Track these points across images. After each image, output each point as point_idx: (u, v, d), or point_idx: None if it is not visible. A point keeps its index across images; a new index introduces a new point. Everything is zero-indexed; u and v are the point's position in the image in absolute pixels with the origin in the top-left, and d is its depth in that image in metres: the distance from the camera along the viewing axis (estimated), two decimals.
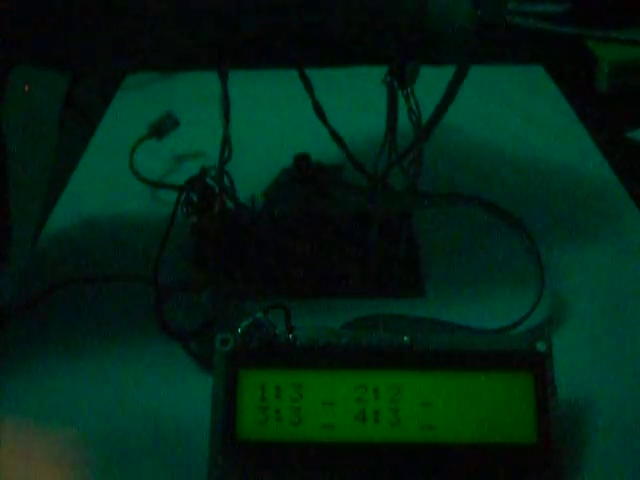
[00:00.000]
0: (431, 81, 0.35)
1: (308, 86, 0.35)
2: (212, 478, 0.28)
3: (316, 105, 0.35)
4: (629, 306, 0.38)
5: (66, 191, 0.48)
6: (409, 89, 0.35)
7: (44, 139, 0.39)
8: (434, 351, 0.29)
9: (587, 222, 0.44)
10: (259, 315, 0.29)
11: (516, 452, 0.28)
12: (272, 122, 0.56)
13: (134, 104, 0.59)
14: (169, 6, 0.28)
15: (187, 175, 0.40)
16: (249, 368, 0.29)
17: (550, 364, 0.29)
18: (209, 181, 0.40)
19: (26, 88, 0.36)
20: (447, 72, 0.34)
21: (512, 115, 0.57)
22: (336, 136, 0.36)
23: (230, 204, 0.41)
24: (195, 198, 0.40)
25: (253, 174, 0.42)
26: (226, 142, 0.39)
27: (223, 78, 0.37)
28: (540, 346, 0.29)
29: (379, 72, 0.36)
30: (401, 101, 0.36)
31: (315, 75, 0.35)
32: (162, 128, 0.49)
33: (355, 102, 0.56)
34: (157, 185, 0.47)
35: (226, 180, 0.40)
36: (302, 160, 0.40)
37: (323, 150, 0.39)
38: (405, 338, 0.29)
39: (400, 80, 0.35)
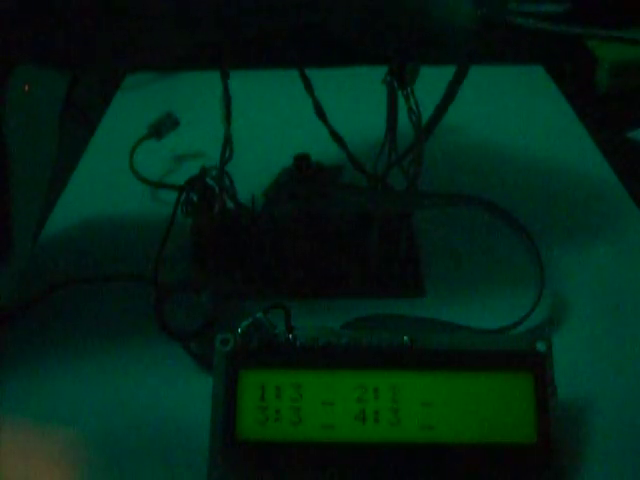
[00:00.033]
0: (431, 81, 0.35)
1: (308, 86, 0.35)
2: (212, 478, 0.28)
3: (316, 105, 0.35)
4: (629, 306, 0.38)
5: (66, 191, 0.48)
6: (409, 89, 0.35)
7: (44, 139, 0.39)
8: (434, 351, 0.29)
9: (587, 222, 0.44)
10: (259, 315, 0.29)
11: (516, 452, 0.28)
12: (272, 122, 0.56)
13: (134, 104, 0.59)
14: (169, 6, 0.28)
15: (187, 175, 0.40)
16: (249, 368, 0.29)
17: (550, 364, 0.29)
18: (209, 181, 0.40)
19: (26, 88, 0.36)
20: (447, 72, 0.34)
21: (512, 115, 0.57)
22: (336, 136, 0.36)
23: (230, 204, 0.41)
24: (195, 198, 0.40)
25: (253, 174, 0.42)
26: (227, 142, 0.39)
27: (225, 78, 0.37)
28: (540, 346, 0.29)
29: (379, 72, 0.36)
30: (401, 101, 0.36)
31: (315, 75, 0.35)
32: (162, 128, 0.49)
33: (355, 102, 0.56)
34: (157, 185, 0.47)
35: (226, 180, 0.40)
36: (302, 160, 0.40)
37: (323, 150, 0.39)
38: (405, 338, 0.29)
39: (400, 80, 0.35)
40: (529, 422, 0.28)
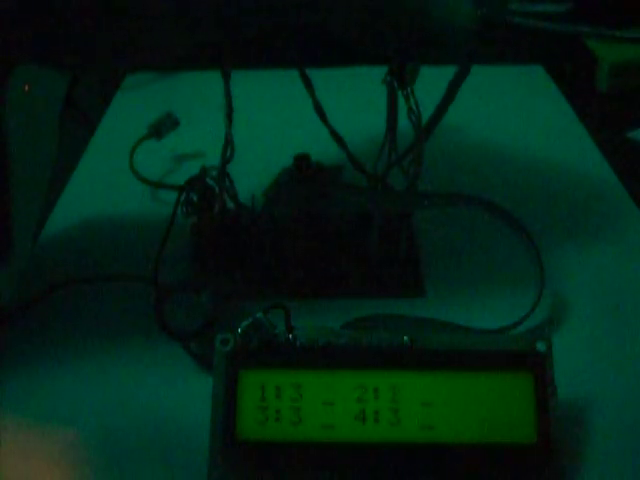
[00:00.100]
0: (431, 81, 0.35)
1: (308, 86, 0.35)
2: (212, 478, 0.28)
3: (317, 105, 0.35)
4: (629, 306, 0.38)
5: (66, 191, 0.48)
6: (409, 89, 0.35)
7: (44, 139, 0.39)
8: (434, 351, 0.29)
9: (587, 222, 0.44)
10: (259, 315, 0.29)
11: (516, 452, 0.28)
12: (272, 122, 0.56)
13: (134, 104, 0.59)
14: (169, 6, 0.28)
15: (187, 175, 0.40)
16: (249, 368, 0.29)
17: (550, 364, 0.29)
18: (209, 181, 0.40)
19: (26, 88, 0.36)
20: (447, 72, 0.34)
21: (512, 115, 0.57)
22: (336, 136, 0.36)
23: (230, 204, 0.41)
24: (195, 198, 0.40)
25: (253, 174, 0.42)
26: (228, 142, 0.39)
27: (226, 78, 0.37)
28: (540, 346, 0.29)
29: (379, 72, 0.36)
30: (401, 101, 0.36)
31: (315, 75, 0.35)
32: (162, 128, 0.49)
33: (355, 102, 0.56)
34: (157, 185, 0.47)
35: (226, 180, 0.40)
36: (302, 160, 0.40)
37: (323, 150, 0.39)
38: (405, 338, 0.29)
39: (400, 80, 0.35)
40: (529, 422, 0.28)
